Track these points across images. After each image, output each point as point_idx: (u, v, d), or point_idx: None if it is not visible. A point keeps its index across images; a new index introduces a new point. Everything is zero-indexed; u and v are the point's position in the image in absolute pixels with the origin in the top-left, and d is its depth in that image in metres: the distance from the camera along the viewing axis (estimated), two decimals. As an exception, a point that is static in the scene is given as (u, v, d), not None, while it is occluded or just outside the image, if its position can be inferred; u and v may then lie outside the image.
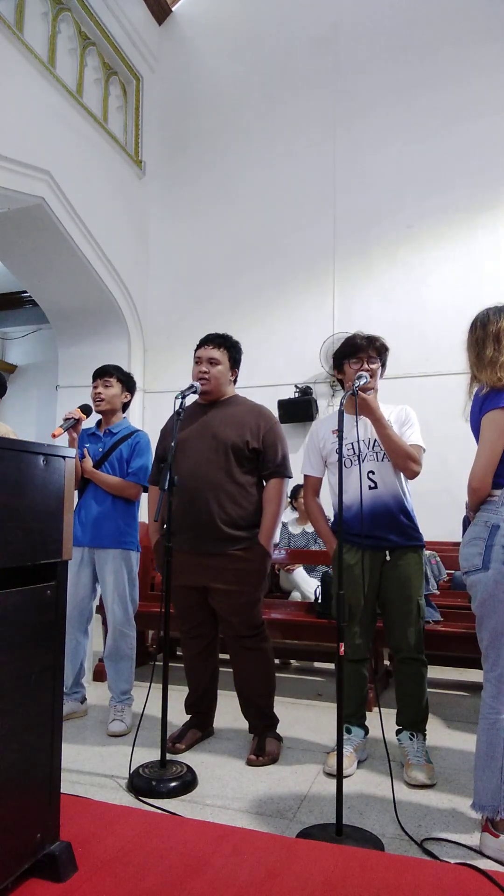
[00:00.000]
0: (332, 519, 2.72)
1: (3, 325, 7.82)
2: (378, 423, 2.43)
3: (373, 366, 2.50)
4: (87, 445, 3.00)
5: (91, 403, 2.98)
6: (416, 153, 5.62)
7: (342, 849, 1.78)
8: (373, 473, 2.48)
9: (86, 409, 2.88)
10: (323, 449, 2.63)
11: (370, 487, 2.46)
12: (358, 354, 2.51)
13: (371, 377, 2.45)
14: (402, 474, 2.54)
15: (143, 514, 4.89)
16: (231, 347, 2.69)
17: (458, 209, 5.45)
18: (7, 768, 1.46)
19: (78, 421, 2.83)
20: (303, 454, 2.75)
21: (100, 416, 3.07)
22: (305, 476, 2.71)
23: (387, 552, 2.47)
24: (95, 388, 3.01)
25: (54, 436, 2.73)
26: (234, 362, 2.71)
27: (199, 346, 2.68)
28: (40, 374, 7.21)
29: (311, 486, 2.71)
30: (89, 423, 3.02)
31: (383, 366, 2.58)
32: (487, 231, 5.35)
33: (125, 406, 3.11)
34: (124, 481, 2.92)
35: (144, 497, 3.02)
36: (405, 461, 2.45)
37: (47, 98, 5.04)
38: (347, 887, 1.59)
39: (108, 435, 3.03)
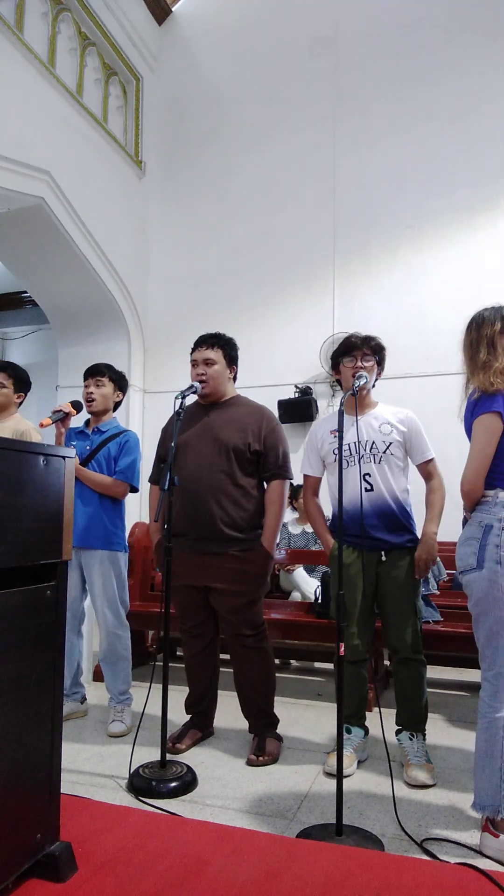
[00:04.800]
0: (330, 519, 2.73)
1: (3, 325, 7.81)
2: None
3: (367, 363, 2.51)
4: (74, 443, 2.97)
5: (83, 402, 2.97)
6: (417, 153, 5.61)
7: (342, 849, 1.78)
8: (369, 475, 2.49)
9: (76, 405, 2.86)
10: (321, 449, 2.63)
11: (366, 489, 2.46)
12: (352, 352, 2.52)
13: (367, 374, 2.47)
14: (401, 477, 2.54)
15: (141, 515, 4.86)
16: (225, 345, 2.67)
17: (458, 209, 5.44)
18: (7, 768, 1.46)
19: (67, 415, 2.79)
20: (302, 454, 2.76)
21: (89, 415, 3.05)
22: (305, 476, 2.71)
23: (382, 553, 2.48)
24: (87, 387, 2.98)
25: (42, 425, 2.71)
26: (231, 359, 2.69)
27: (193, 349, 2.68)
28: (40, 374, 7.17)
29: (311, 485, 2.71)
30: (77, 421, 2.99)
31: (380, 365, 2.59)
32: (487, 231, 5.35)
33: (116, 405, 3.09)
34: (112, 479, 2.89)
35: (132, 497, 3.01)
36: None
37: (47, 98, 5.03)
38: (347, 887, 1.59)
39: (96, 433, 3.00)
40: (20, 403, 3.07)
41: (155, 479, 2.79)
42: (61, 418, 2.78)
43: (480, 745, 1.88)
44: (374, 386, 2.61)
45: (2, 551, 1.45)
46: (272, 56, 6.20)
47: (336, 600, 2.06)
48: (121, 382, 3.06)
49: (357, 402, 2.37)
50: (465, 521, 2.07)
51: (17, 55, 4.70)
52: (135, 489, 2.97)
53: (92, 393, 2.97)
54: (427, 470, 2.56)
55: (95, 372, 2.99)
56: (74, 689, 3.02)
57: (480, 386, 1.95)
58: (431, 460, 2.56)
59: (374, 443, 2.50)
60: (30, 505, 1.55)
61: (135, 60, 6.34)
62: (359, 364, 2.50)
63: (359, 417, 2.48)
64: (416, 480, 2.60)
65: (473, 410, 1.97)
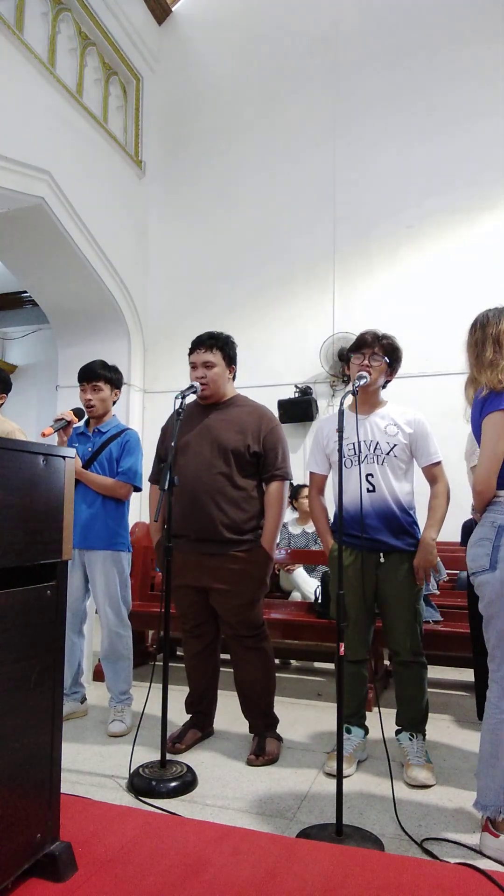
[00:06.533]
0: (332, 519, 2.72)
1: (3, 325, 7.81)
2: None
3: (374, 362, 2.49)
4: (76, 446, 2.96)
5: (83, 407, 2.96)
6: (416, 153, 5.62)
7: (342, 849, 1.78)
8: (371, 476, 2.47)
9: (78, 413, 2.85)
10: (326, 447, 2.62)
11: (368, 490, 2.45)
12: (362, 349, 2.51)
13: (371, 373, 2.45)
14: (404, 480, 2.53)
15: (141, 515, 4.86)
16: (224, 345, 2.64)
17: (458, 209, 5.45)
18: (7, 768, 1.46)
19: (69, 423, 2.79)
20: (304, 453, 2.75)
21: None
22: (310, 473, 2.70)
23: (381, 554, 2.47)
24: (84, 392, 2.96)
25: (44, 435, 2.70)
26: (230, 359, 2.66)
27: (191, 351, 2.64)
28: (40, 374, 7.21)
29: (316, 483, 2.70)
30: (78, 423, 3.00)
31: (391, 365, 2.56)
32: (487, 231, 5.35)
33: (114, 402, 3.08)
34: (114, 481, 2.89)
35: (133, 497, 3.00)
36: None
37: (47, 98, 5.04)
38: (347, 887, 1.59)
39: (97, 434, 2.99)
40: (1, 404, 3.06)
41: (155, 479, 2.78)
42: (63, 427, 2.77)
43: (485, 746, 1.87)
44: (384, 386, 2.60)
45: (2, 551, 1.45)
46: (272, 56, 6.21)
47: (336, 600, 2.06)
48: (116, 381, 3.04)
49: (357, 401, 2.36)
50: (464, 526, 2.06)
51: (18, 55, 4.70)
52: (138, 489, 2.97)
53: (91, 400, 2.95)
54: (432, 473, 2.53)
55: (91, 376, 2.95)
56: (75, 689, 3.02)
57: (489, 383, 1.93)
58: (438, 464, 2.52)
59: (378, 443, 2.48)
60: (30, 505, 1.55)
61: (135, 60, 6.34)
62: (366, 362, 2.47)
63: (365, 417, 2.47)
64: (421, 484, 2.58)
65: (482, 409, 1.95)
